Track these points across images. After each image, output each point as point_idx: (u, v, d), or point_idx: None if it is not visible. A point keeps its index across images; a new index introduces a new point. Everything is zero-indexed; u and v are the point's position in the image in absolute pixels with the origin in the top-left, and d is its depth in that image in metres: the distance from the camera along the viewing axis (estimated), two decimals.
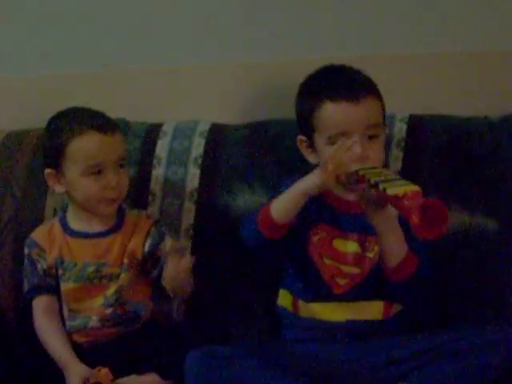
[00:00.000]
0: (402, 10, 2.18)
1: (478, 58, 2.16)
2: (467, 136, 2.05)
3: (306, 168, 1.96)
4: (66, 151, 1.87)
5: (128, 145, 2.04)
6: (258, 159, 2.07)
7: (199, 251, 2.04)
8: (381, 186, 1.62)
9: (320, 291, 1.83)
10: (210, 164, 2.08)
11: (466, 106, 2.13)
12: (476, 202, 1.99)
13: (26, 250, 1.96)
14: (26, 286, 1.95)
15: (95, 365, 1.78)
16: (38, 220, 2.06)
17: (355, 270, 1.83)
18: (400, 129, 2.05)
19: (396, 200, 1.58)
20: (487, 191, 1.99)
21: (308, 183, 1.74)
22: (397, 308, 1.85)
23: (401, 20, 2.19)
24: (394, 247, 1.76)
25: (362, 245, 1.84)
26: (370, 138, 1.79)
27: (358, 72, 1.86)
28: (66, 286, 1.91)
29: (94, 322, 1.90)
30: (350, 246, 1.84)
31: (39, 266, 1.93)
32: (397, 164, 2.02)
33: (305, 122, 1.85)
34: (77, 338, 1.91)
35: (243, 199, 2.04)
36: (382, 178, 1.66)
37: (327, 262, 1.84)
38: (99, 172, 1.86)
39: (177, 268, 1.77)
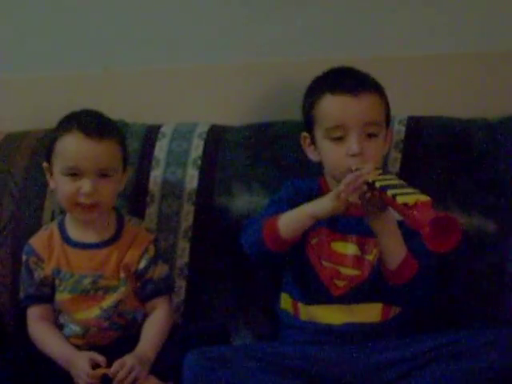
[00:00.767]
0: (400, 12, 2.18)
1: (477, 59, 2.16)
2: (466, 137, 2.05)
3: (305, 169, 1.98)
4: (54, 147, 1.88)
5: (126, 148, 2.03)
6: (257, 161, 2.07)
7: (198, 253, 2.05)
8: (389, 193, 1.60)
9: (319, 293, 1.83)
10: (208, 165, 2.08)
11: (464, 107, 2.14)
12: (474, 203, 1.99)
13: (24, 257, 1.94)
14: (21, 294, 1.94)
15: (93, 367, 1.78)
16: (37, 222, 2.06)
17: (354, 273, 1.83)
18: (398, 130, 2.05)
19: (405, 209, 1.56)
20: (486, 192, 2.00)
21: (319, 208, 1.74)
22: (395, 310, 1.85)
23: (399, 22, 2.19)
24: (393, 250, 1.75)
25: (361, 247, 1.84)
26: (369, 136, 1.79)
27: (364, 72, 1.87)
28: (61, 297, 1.90)
29: (92, 331, 1.90)
30: (349, 249, 1.84)
31: (36, 274, 1.92)
32: (395, 166, 2.02)
33: (307, 117, 1.86)
34: (74, 341, 1.90)
35: (242, 201, 2.04)
36: (390, 182, 1.65)
37: (326, 264, 1.84)
38: (75, 175, 1.84)
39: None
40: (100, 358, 1.78)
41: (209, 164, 2.08)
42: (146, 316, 1.93)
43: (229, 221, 2.03)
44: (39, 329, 1.90)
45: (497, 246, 1.96)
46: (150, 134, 2.14)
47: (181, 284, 2.04)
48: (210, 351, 1.75)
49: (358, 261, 1.84)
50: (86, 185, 1.83)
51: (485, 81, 2.15)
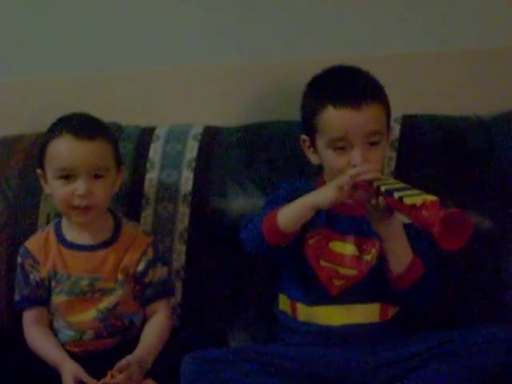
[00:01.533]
0: (394, 10, 2.18)
1: (470, 56, 2.16)
2: (460, 135, 2.05)
3: (300, 170, 1.98)
4: (45, 152, 1.87)
5: (121, 149, 2.02)
6: (251, 162, 2.07)
7: (194, 255, 2.04)
8: (396, 195, 1.59)
9: (317, 294, 1.83)
10: (203, 167, 2.08)
11: (458, 105, 2.13)
12: (469, 200, 1.99)
13: (20, 260, 1.94)
14: (16, 296, 1.94)
15: (90, 373, 1.77)
16: (32, 226, 2.06)
17: (352, 272, 1.83)
18: (393, 129, 2.04)
19: (413, 210, 1.54)
20: (481, 190, 2.00)
21: (321, 198, 1.73)
22: (394, 310, 1.84)
23: (393, 20, 2.18)
24: (400, 254, 1.75)
25: (359, 247, 1.83)
26: (371, 144, 1.79)
27: (364, 75, 1.85)
28: (58, 299, 1.90)
29: (89, 335, 1.89)
30: (348, 249, 1.84)
31: (32, 277, 1.92)
32: (390, 164, 2.03)
33: (307, 123, 1.85)
34: (71, 348, 1.90)
35: (237, 202, 2.04)
36: (395, 186, 1.64)
37: (324, 264, 1.83)
38: (68, 177, 1.84)
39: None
40: (84, 376, 1.77)
41: (204, 166, 2.08)
42: (145, 319, 1.92)
43: (224, 222, 2.03)
44: (33, 333, 1.90)
45: (493, 243, 1.96)
46: (145, 137, 2.13)
47: (177, 286, 2.03)
48: (207, 354, 1.74)
49: (357, 261, 1.83)
50: (80, 187, 1.83)
51: (478, 78, 2.16)
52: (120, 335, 1.90)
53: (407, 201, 1.55)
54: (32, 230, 2.03)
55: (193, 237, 2.04)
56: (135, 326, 1.91)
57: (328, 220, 1.85)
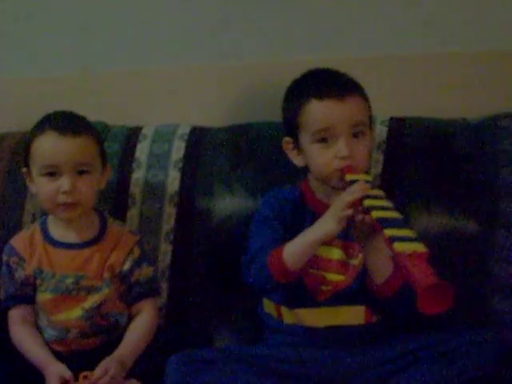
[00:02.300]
0: (382, 12, 2.18)
1: (457, 59, 2.16)
2: (447, 138, 2.05)
3: (286, 171, 1.97)
4: (30, 149, 1.87)
5: (107, 148, 2.02)
6: (238, 162, 2.06)
7: (180, 255, 2.04)
8: (387, 232, 1.56)
9: (303, 299, 1.82)
10: (190, 167, 2.07)
11: (445, 108, 2.13)
12: (456, 203, 1.99)
13: (5, 258, 1.93)
14: (2, 295, 1.93)
15: (75, 372, 1.76)
16: (17, 225, 2.05)
17: (339, 278, 1.82)
18: (380, 131, 2.05)
19: (400, 256, 1.52)
20: (467, 193, 2.00)
21: (324, 233, 1.71)
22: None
23: (381, 22, 2.19)
24: (381, 266, 1.75)
25: (346, 251, 1.83)
26: (356, 136, 1.79)
27: (344, 74, 1.87)
28: (43, 297, 1.89)
29: (73, 333, 1.88)
30: (334, 253, 1.83)
31: (17, 274, 1.91)
32: (377, 167, 2.02)
33: (291, 122, 1.85)
34: (56, 346, 1.89)
35: (224, 202, 2.03)
36: (386, 214, 1.61)
37: (311, 271, 1.82)
38: (54, 174, 1.84)
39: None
40: (67, 375, 1.76)
41: (190, 166, 2.08)
42: (130, 319, 1.91)
43: (211, 223, 2.03)
44: (19, 332, 1.89)
45: (479, 246, 1.96)
46: (131, 136, 2.13)
47: (163, 286, 2.03)
48: (193, 354, 1.74)
49: (343, 266, 1.83)
50: (65, 183, 1.82)
51: (466, 81, 2.16)
52: (105, 334, 1.90)
53: (397, 246, 1.52)
54: (17, 228, 2.02)
55: (179, 237, 2.04)
56: (120, 325, 1.91)
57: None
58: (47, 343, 1.88)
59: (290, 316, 1.85)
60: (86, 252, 1.89)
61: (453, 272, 1.96)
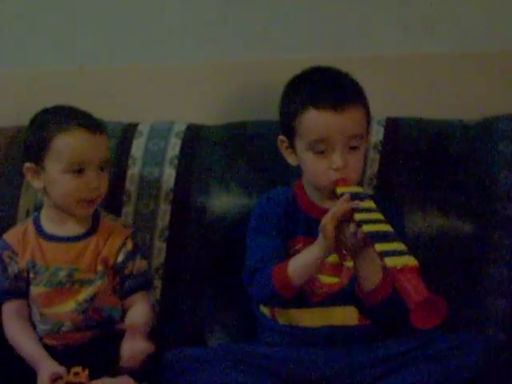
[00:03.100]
0: (381, 11, 2.18)
1: (454, 60, 2.16)
2: (443, 139, 2.05)
3: (282, 169, 1.97)
4: (51, 146, 1.85)
5: None
6: (234, 160, 2.06)
7: (174, 253, 2.03)
8: (378, 247, 1.56)
9: (297, 301, 1.80)
10: (185, 165, 2.07)
11: (442, 108, 2.14)
12: (452, 204, 1.99)
13: None
14: None
15: (68, 367, 1.75)
16: (11, 220, 2.04)
17: (333, 280, 1.82)
18: (377, 131, 2.05)
19: (392, 270, 1.50)
20: (463, 194, 2.00)
21: (322, 253, 1.71)
22: None
23: (379, 21, 2.18)
24: (370, 276, 1.74)
25: (339, 254, 1.80)
26: (352, 148, 1.77)
27: (345, 77, 1.84)
28: (36, 290, 1.89)
29: (66, 326, 1.88)
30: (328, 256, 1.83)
31: (10, 269, 1.90)
32: (373, 166, 2.02)
33: (287, 125, 1.83)
34: (49, 341, 1.88)
35: (219, 200, 2.03)
36: (377, 228, 1.60)
37: None
38: (80, 171, 1.84)
39: (133, 350, 1.76)
40: (60, 370, 1.75)
41: (186, 163, 2.07)
42: (123, 314, 1.91)
43: (206, 220, 2.02)
44: (13, 327, 1.88)
45: (473, 247, 1.96)
46: (127, 133, 2.13)
47: (156, 284, 2.02)
48: (186, 352, 1.74)
49: (337, 268, 1.82)
50: (93, 180, 1.84)
51: (462, 82, 2.16)
52: (98, 329, 1.89)
53: (388, 262, 1.51)
54: (11, 224, 2.01)
55: (173, 234, 2.04)
56: (114, 320, 1.90)
57: (307, 227, 1.84)
58: (40, 338, 1.88)
59: (283, 316, 1.84)
60: (79, 245, 1.89)
61: (448, 272, 1.96)
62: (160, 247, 2.03)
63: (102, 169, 1.87)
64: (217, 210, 2.02)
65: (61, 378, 1.73)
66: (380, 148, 2.04)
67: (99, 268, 1.88)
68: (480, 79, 2.15)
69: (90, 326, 1.88)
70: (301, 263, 1.74)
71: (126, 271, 1.90)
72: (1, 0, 2.27)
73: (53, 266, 1.88)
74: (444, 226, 1.97)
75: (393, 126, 2.07)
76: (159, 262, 2.03)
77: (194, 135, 2.11)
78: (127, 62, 2.25)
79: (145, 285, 1.92)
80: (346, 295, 1.81)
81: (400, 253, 1.54)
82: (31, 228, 1.92)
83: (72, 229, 1.90)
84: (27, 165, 1.89)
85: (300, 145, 1.80)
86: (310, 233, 1.82)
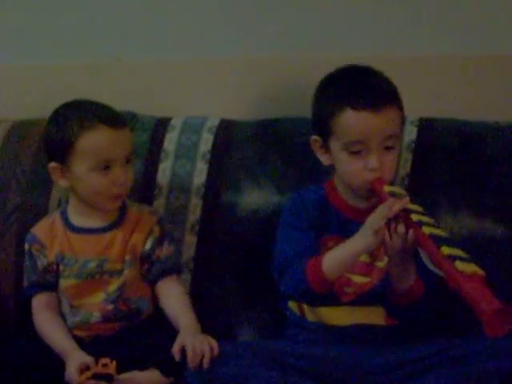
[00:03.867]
0: (415, 10, 2.16)
1: (491, 61, 2.14)
2: (477, 140, 2.03)
3: (314, 166, 1.96)
4: (75, 146, 1.83)
5: (135, 138, 2.03)
6: (266, 156, 2.06)
7: (204, 247, 2.04)
8: (445, 251, 1.52)
9: (326, 299, 1.80)
10: (217, 160, 2.07)
11: (476, 110, 2.12)
12: (485, 207, 1.97)
13: (27, 246, 1.94)
14: (25, 283, 1.94)
15: (97, 358, 1.76)
16: (43, 210, 2.05)
17: (364, 280, 1.82)
18: (410, 131, 2.04)
19: (459, 275, 1.48)
20: (496, 196, 1.98)
21: (362, 246, 1.70)
22: None
23: (413, 21, 2.17)
24: (404, 279, 1.73)
25: (370, 254, 1.81)
26: (387, 148, 1.77)
27: (380, 77, 1.83)
28: (66, 283, 1.90)
29: (96, 317, 1.89)
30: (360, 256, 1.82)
31: (39, 262, 1.92)
32: (406, 166, 2.01)
33: (322, 125, 1.82)
34: (78, 332, 1.89)
35: (250, 196, 2.03)
36: (438, 231, 1.58)
37: None
38: (107, 167, 1.84)
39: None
40: (88, 361, 1.76)
41: (218, 158, 2.07)
42: (153, 304, 1.92)
43: (237, 216, 2.02)
44: (42, 319, 1.90)
45: (506, 250, 1.95)
46: (160, 127, 2.13)
47: (186, 278, 2.03)
48: None
49: (368, 268, 1.82)
50: (121, 176, 1.84)
51: (498, 84, 2.14)
52: (126, 320, 1.90)
53: (459, 266, 1.48)
54: (43, 214, 2.03)
55: (204, 229, 2.04)
56: (142, 311, 1.91)
57: (339, 226, 1.84)
58: (70, 330, 1.89)
59: (312, 313, 1.84)
60: (107, 236, 1.90)
61: None
62: (190, 241, 2.03)
63: (128, 160, 1.87)
64: (248, 206, 2.02)
65: (88, 368, 1.74)
66: (413, 148, 2.02)
67: (127, 257, 1.89)
68: None
69: (118, 317, 1.89)
70: (336, 259, 1.73)
71: (154, 257, 1.91)
72: None
73: (82, 258, 1.89)
74: (476, 228, 1.96)
75: (426, 126, 2.05)
76: (189, 256, 2.03)
77: (226, 130, 2.11)
78: (162, 56, 2.25)
79: (173, 269, 1.92)
80: (375, 295, 1.81)
81: (466, 259, 1.52)
82: (59, 221, 1.93)
83: (99, 220, 1.91)
84: (52, 164, 1.88)
85: (335, 145, 1.80)
86: (342, 232, 1.82)
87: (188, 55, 2.25)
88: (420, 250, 1.62)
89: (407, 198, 1.67)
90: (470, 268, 1.49)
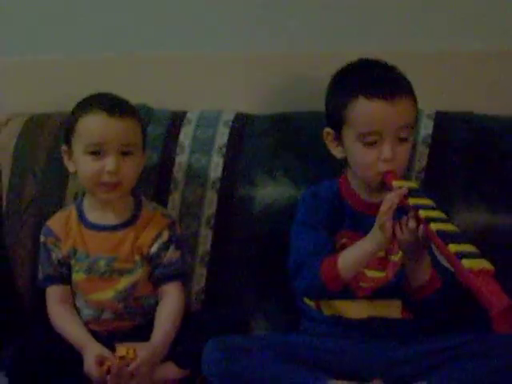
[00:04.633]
0: (430, 6, 2.16)
1: (507, 56, 2.14)
2: (493, 134, 2.03)
3: (328, 160, 1.95)
4: (76, 128, 1.88)
5: (151, 131, 2.04)
6: (281, 151, 2.06)
7: (219, 241, 2.04)
8: (452, 248, 1.51)
9: (342, 293, 1.80)
10: (233, 154, 2.07)
11: (492, 104, 2.11)
12: (499, 200, 1.97)
13: (42, 238, 1.95)
14: (40, 275, 1.95)
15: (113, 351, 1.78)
16: (59, 204, 2.06)
17: (379, 275, 1.82)
18: (426, 125, 2.03)
19: (469, 273, 1.48)
20: (510, 190, 1.97)
21: (375, 246, 1.71)
22: None
23: (429, 17, 2.17)
24: (420, 274, 1.74)
25: (385, 248, 1.81)
26: (401, 140, 1.76)
27: (393, 69, 1.83)
28: (77, 277, 1.91)
29: (107, 314, 1.90)
30: None
31: (54, 255, 1.92)
32: (422, 160, 2.01)
33: (335, 116, 1.82)
34: (92, 326, 1.90)
35: (266, 190, 2.03)
36: (445, 227, 1.57)
37: None
38: (99, 153, 1.84)
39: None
40: (105, 353, 1.78)
41: (233, 152, 2.07)
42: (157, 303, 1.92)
43: (252, 210, 2.02)
44: (57, 312, 1.91)
45: None
46: (176, 120, 2.13)
47: (201, 272, 2.04)
48: (230, 340, 1.74)
49: (383, 262, 1.82)
50: (110, 163, 1.84)
51: None
52: (140, 317, 1.91)
53: (466, 263, 1.48)
54: (58, 208, 2.03)
55: (219, 223, 2.04)
56: (154, 310, 1.91)
57: (353, 221, 1.84)
58: (85, 323, 1.90)
59: (328, 307, 1.85)
60: (119, 234, 1.90)
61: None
62: (206, 235, 2.04)
63: (125, 153, 1.86)
64: (263, 199, 2.02)
65: (105, 360, 1.75)
66: (429, 142, 2.02)
67: (136, 258, 1.90)
68: None
69: (131, 314, 1.90)
70: (352, 257, 1.74)
71: (158, 261, 1.91)
72: None
73: (93, 254, 1.90)
74: (490, 222, 1.96)
75: (442, 119, 2.05)
76: (205, 250, 2.04)
77: (242, 124, 2.11)
78: (178, 50, 2.25)
79: (175, 275, 1.91)
80: (391, 289, 1.81)
81: (475, 255, 1.51)
82: (74, 215, 1.94)
83: (113, 217, 1.92)
84: (63, 147, 1.93)
85: (348, 135, 1.79)
86: (356, 227, 1.82)
87: (203, 49, 2.24)
88: (432, 245, 1.62)
89: (401, 190, 1.67)
90: (478, 264, 1.48)
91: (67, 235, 1.92)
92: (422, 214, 1.62)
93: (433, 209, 1.64)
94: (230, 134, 2.09)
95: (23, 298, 2.07)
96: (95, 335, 1.87)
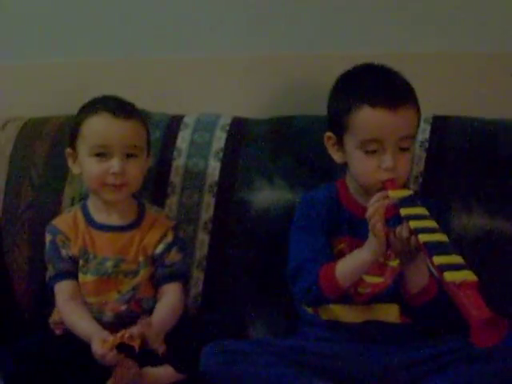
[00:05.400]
0: (426, 8, 2.16)
1: (504, 59, 2.14)
2: (491, 138, 2.03)
3: (327, 164, 1.96)
4: (81, 129, 1.89)
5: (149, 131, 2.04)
6: (279, 155, 2.05)
7: (217, 245, 2.04)
8: (436, 260, 1.52)
9: (340, 299, 1.80)
10: (230, 158, 2.07)
11: (490, 107, 2.12)
12: (496, 204, 1.97)
13: (49, 237, 1.94)
14: (51, 272, 1.92)
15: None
16: (56, 208, 2.06)
17: (377, 280, 1.82)
18: (423, 129, 2.03)
19: (451, 285, 1.48)
20: (508, 194, 1.97)
21: (373, 252, 1.71)
22: None
23: (425, 19, 2.17)
24: (416, 279, 1.73)
25: (381, 255, 1.80)
26: (402, 149, 1.76)
27: (397, 76, 1.82)
28: (83, 278, 1.90)
29: (108, 317, 1.90)
30: None
31: (64, 251, 1.91)
32: (420, 165, 2.01)
33: (338, 121, 1.81)
34: None
35: (263, 194, 2.03)
36: (433, 238, 1.57)
37: None
38: (104, 155, 1.85)
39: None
40: (111, 338, 1.75)
41: (231, 156, 2.07)
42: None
43: (249, 214, 2.02)
44: (67, 306, 1.89)
45: None
46: (173, 124, 2.13)
47: (199, 276, 2.03)
48: (229, 344, 1.74)
49: (381, 267, 1.81)
50: (115, 164, 1.85)
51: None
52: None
53: (447, 276, 1.48)
54: (56, 212, 2.03)
55: (217, 227, 2.04)
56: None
57: (350, 227, 1.84)
58: None
59: (326, 312, 1.84)
60: (126, 235, 1.91)
61: (491, 273, 1.93)
62: (203, 239, 2.04)
63: (129, 155, 1.87)
64: (260, 204, 2.02)
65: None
66: (426, 146, 2.02)
67: (140, 259, 1.90)
68: None
69: (130, 317, 1.89)
70: (349, 266, 1.74)
71: (160, 262, 1.92)
72: None
73: (101, 255, 1.90)
74: (488, 226, 1.95)
75: (439, 124, 2.05)
76: (202, 254, 2.03)
77: (239, 128, 2.11)
78: (175, 54, 2.26)
79: (176, 276, 1.92)
80: (389, 294, 1.81)
81: (458, 267, 1.51)
82: (80, 216, 1.94)
83: (118, 218, 1.92)
84: (67, 150, 1.94)
85: (350, 142, 1.79)
86: (354, 232, 1.82)
87: (201, 53, 2.25)
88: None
89: (383, 202, 1.68)
90: (460, 276, 1.48)
91: (76, 235, 1.92)
92: (412, 224, 1.62)
93: (425, 218, 1.63)
94: (228, 139, 2.09)
95: (21, 301, 2.06)
96: None
